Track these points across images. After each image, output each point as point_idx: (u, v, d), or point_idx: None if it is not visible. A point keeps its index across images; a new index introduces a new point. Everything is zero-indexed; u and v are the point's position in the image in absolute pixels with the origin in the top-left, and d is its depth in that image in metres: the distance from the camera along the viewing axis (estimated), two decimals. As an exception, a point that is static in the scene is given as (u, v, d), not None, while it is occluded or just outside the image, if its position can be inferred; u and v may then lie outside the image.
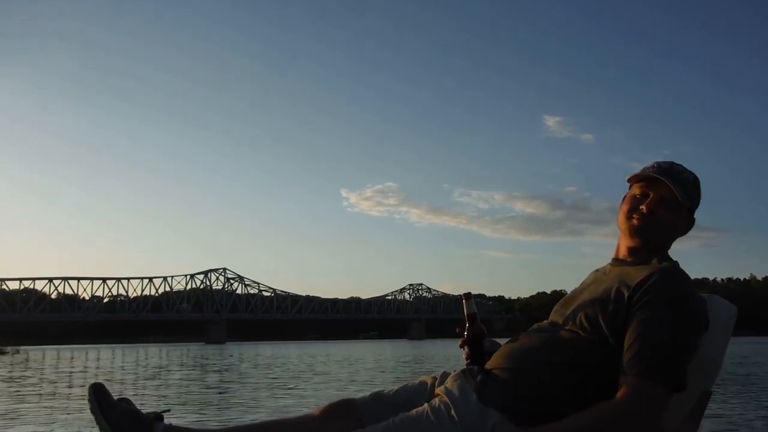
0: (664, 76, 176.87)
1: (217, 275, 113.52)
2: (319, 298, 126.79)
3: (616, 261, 1.64)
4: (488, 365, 1.60)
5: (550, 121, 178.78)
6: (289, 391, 10.79)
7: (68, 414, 7.68)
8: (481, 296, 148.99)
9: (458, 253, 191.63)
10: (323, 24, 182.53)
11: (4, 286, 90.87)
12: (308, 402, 8.57)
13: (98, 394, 1.60)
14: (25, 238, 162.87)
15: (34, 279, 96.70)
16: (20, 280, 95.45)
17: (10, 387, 12.85)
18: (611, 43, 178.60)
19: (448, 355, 28.10)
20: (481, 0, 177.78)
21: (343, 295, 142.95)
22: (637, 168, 1.67)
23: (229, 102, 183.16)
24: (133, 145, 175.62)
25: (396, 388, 1.72)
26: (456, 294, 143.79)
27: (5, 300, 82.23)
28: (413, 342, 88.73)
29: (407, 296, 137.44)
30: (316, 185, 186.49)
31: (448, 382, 1.58)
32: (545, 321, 1.66)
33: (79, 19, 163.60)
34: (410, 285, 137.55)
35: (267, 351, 43.72)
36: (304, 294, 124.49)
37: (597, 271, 1.68)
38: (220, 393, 10.66)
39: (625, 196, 1.66)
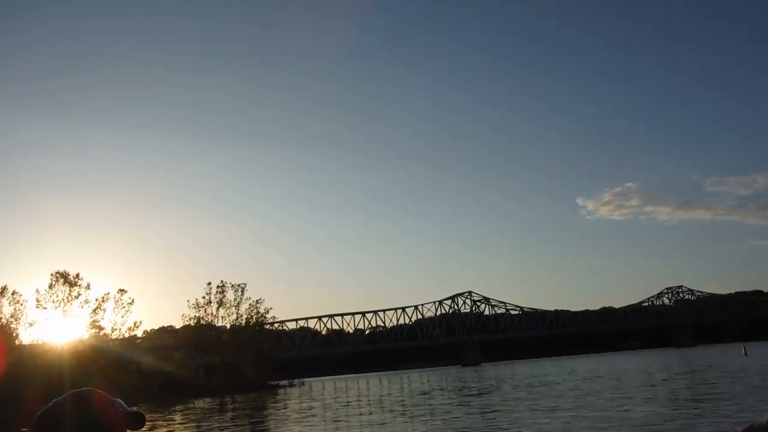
0: None
1: (464, 299, 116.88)
2: (569, 311, 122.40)
3: None
4: None
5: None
6: (561, 414, 10.65)
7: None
8: (758, 293, 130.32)
9: (719, 248, 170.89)
10: (542, 32, 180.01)
11: (284, 327, 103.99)
12: (581, 425, 8.41)
13: None
14: (296, 281, 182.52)
15: (307, 318, 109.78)
16: (296, 320, 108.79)
17: (307, 417, 14.61)
18: None
19: (727, 363, 25.13)
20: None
21: (594, 306, 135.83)
22: None
23: (465, 128, 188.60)
24: (372, 183, 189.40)
25: None
26: (724, 293, 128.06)
27: (287, 339, 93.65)
28: (681, 351, 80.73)
29: (666, 301, 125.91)
30: (551, 197, 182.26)
31: None
32: None
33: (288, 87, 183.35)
34: (668, 288, 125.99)
35: (524, 370, 43.38)
36: (552, 309, 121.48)
37: None
38: (486, 420, 10.93)
39: None
